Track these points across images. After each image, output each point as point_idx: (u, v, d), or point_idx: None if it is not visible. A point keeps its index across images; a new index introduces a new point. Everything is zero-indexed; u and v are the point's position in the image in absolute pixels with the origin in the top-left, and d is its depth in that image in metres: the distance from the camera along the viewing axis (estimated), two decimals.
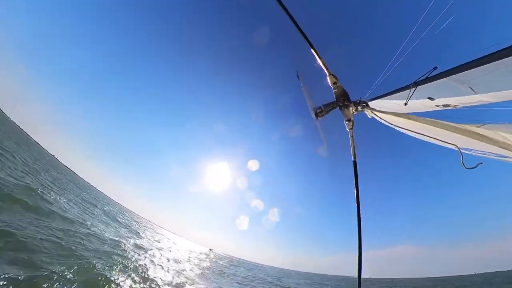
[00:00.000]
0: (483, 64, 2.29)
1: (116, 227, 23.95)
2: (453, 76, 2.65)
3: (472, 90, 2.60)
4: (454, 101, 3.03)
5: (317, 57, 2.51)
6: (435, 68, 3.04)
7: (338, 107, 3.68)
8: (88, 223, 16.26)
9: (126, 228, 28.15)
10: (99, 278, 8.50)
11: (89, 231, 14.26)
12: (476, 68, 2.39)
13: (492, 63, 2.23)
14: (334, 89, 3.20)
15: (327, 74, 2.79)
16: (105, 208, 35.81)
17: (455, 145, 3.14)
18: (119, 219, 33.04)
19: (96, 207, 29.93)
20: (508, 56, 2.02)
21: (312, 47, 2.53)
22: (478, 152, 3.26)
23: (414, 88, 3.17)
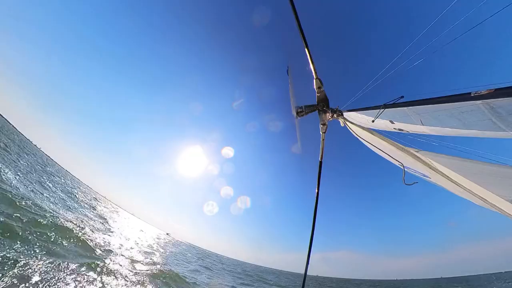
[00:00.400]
0: (434, 104, 2.89)
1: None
2: (412, 107, 3.24)
3: (421, 122, 3.24)
4: (407, 127, 3.69)
5: (309, 58, 2.56)
6: (402, 97, 3.61)
7: (317, 111, 3.99)
8: None
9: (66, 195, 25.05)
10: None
11: None
12: (429, 105, 2.99)
13: (440, 105, 2.84)
14: (318, 93, 3.39)
15: (314, 77, 2.88)
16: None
17: (401, 163, 3.87)
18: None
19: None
20: (450, 102, 2.61)
21: (307, 47, 2.56)
22: (415, 171, 4.09)
23: (383, 110, 3.72)
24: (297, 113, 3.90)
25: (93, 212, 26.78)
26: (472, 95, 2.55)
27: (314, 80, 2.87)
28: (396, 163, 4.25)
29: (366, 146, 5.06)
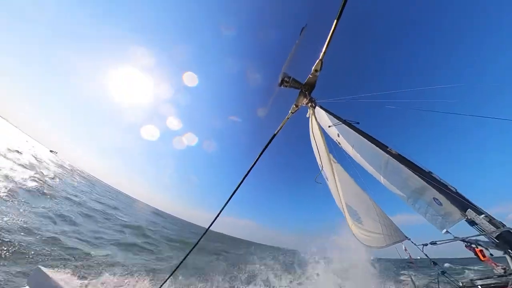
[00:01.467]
0: (367, 139, 3.84)
1: None
2: (356, 132, 4.13)
3: (352, 146, 4.28)
4: (343, 143, 4.73)
5: (330, 35, 2.23)
6: (358, 122, 4.45)
7: (300, 90, 4.14)
8: None
9: None
10: None
11: None
12: (363, 139, 3.94)
13: (369, 143, 3.81)
14: (311, 75, 3.26)
15: (320, 57, 2.66)
16: None
17: (322, 166, 5.09)
18: None
19: None
20: (374, 144, 3.59)
21: (337, 21, 2.16)
22: (325, 175, 5.50)
23: (341, 123, 4.51)
24: (282, 81, 3.95)
25: None
26: (387, 149, 3.59)
27: (318, 61, 2.73)
28: (319, 163, 5.53)
29: (310, 141, 6.09)
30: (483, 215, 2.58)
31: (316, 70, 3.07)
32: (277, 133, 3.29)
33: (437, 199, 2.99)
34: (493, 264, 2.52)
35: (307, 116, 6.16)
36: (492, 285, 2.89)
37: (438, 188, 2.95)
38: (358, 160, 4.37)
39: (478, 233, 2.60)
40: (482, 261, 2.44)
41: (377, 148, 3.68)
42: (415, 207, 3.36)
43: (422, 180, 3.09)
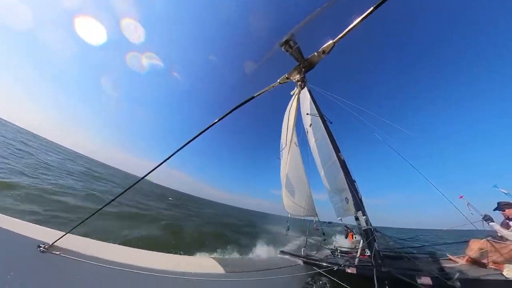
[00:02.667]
0: (329, 138, 4.54)
1: None
2: (325, 129, 4.75)
3: (316, 140, 4.96)
4: (310, 134, 5.36)
5: (361, 18, 1.96)
6: (331, 122, 5.05)
7: (298, 64, 3.56)
8: None
9: None
10: None
11: None
12: (327, 136, 4.63)
13: (330, 143, 4.53)
14: (317, 55, 2.99)
15: (334, 40, 2.44)
16: None
17: (284, 145, 5.69)
18: None
19: None
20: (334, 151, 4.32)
21: (377, 7, 1.81)
22: (282, 154, 6.24)
23: (318, 115, 4.99)
24: (287, 42, 3.55)
25: None
26: (339, 154, 4.43)
27: (331, 42, 2.49)
28: (283, 142, 6.15)
29: (284, 118, 6.48)
30: (365, 217, 3.95)
31: (323, 52, 2.72)
32: (256, 96, 2.94)
33: (347, 199, 4.23)
34: (352, 242, 4.28)
35: (292, 93, 6.31)
36: (345, 249, 5.00)
37: (352, 193, 4.13)
38: (314, 153, 5.22)
39: (357, 225, 4.01)
40: (351, 240, 4.03)
41: (333, 149, 4.51)
42: (332, 198, 4.70)
43: (346, 185, 4.20)
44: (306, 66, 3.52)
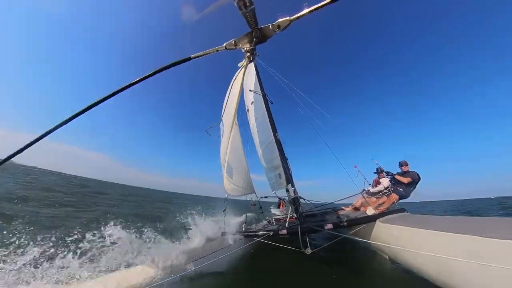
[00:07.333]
0: (268, 118, 4.67)
1: None
2: (266, 109, 4.81)
3: (256, 119, 4.99)
4: (250, 112, 5.31)
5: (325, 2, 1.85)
6: (272, 102, 5.11)
7: (251, 30, 3.05)
8: None
9: None
10: None
11: None
12: (267, 116, 4.73)
13: (269, 123, 4.66)
14: (271, 26, 2.72)
15: (292, 17, 2.26)
16: None
17: (222, 120, 5.43)
18: None
19: None
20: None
21: None
22: (222, 131, 6.07)
23: (260, 94, 4.91)
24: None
25: None
26: (276, 134, 4.67)
27: (286, 19, 2.30)
28: (224, 119, 5.86)
29: (227, 91, 6.04)
30: (293, 188, 4.57)
31: (279, 26, 2.49)
32: (194, 57, 2.45)
33: (280, 175, 4.70)
34: (283, 210, 5.03)
35: (239, 65, 5.77)
36: (278, 217, 5.94)
37: (284, 169, 4.60)
38: (253, 132, 5.27)
39: (287, 196, 4.62)
40: (282, 209, 4.73)
41: (271, 129, 4.70)
42: (267, 175, 5.12)
43: (280, 162, 4.61)
44: (258, 36, 2.98)
